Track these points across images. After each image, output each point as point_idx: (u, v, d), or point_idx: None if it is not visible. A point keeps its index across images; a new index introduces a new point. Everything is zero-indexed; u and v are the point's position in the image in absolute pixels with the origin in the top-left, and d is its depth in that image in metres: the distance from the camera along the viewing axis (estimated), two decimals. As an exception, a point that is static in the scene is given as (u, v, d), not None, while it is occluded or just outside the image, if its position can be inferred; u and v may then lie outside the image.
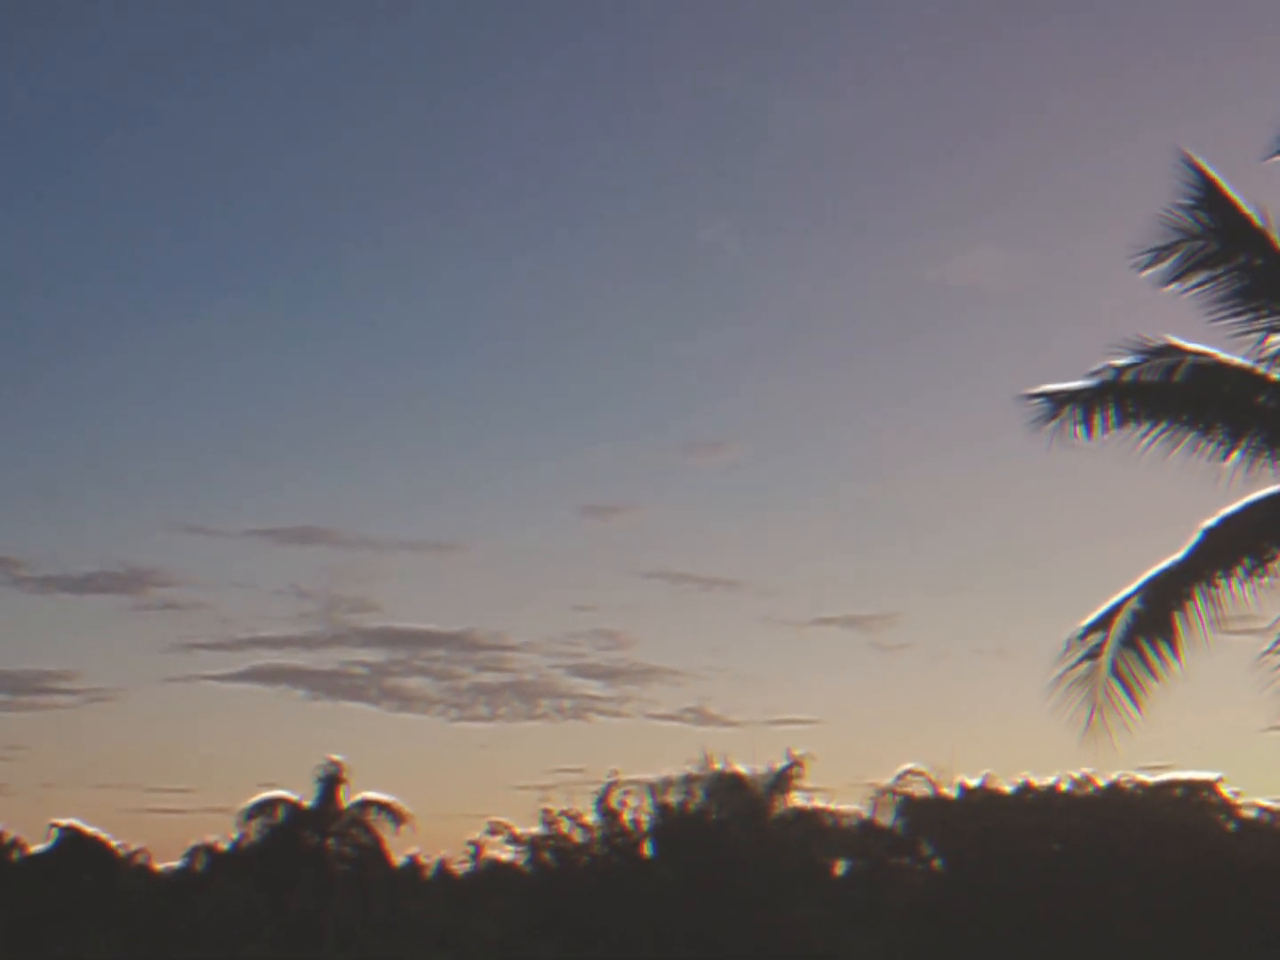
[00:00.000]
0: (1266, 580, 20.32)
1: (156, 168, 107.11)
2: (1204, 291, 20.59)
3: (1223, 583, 20.29)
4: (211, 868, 58.62)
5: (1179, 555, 20.55)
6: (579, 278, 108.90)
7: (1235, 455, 20.68)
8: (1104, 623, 20.69)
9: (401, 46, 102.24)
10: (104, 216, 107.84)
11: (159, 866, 62.77)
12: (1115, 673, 20.48)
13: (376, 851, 58.46)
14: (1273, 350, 20.61)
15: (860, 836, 41.18)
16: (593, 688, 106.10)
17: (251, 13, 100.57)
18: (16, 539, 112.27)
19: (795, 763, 37.66)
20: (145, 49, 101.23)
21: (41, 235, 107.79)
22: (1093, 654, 20.62)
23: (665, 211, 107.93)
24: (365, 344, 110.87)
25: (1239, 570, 20.31)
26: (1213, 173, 20.20)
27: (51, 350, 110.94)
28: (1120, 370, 21.09)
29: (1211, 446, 20.73)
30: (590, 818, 35.94)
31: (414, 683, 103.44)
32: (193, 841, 59.90)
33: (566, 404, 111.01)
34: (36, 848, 61.21)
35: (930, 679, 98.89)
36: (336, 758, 58.84)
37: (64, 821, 60.56)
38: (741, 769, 37.74)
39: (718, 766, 37.18)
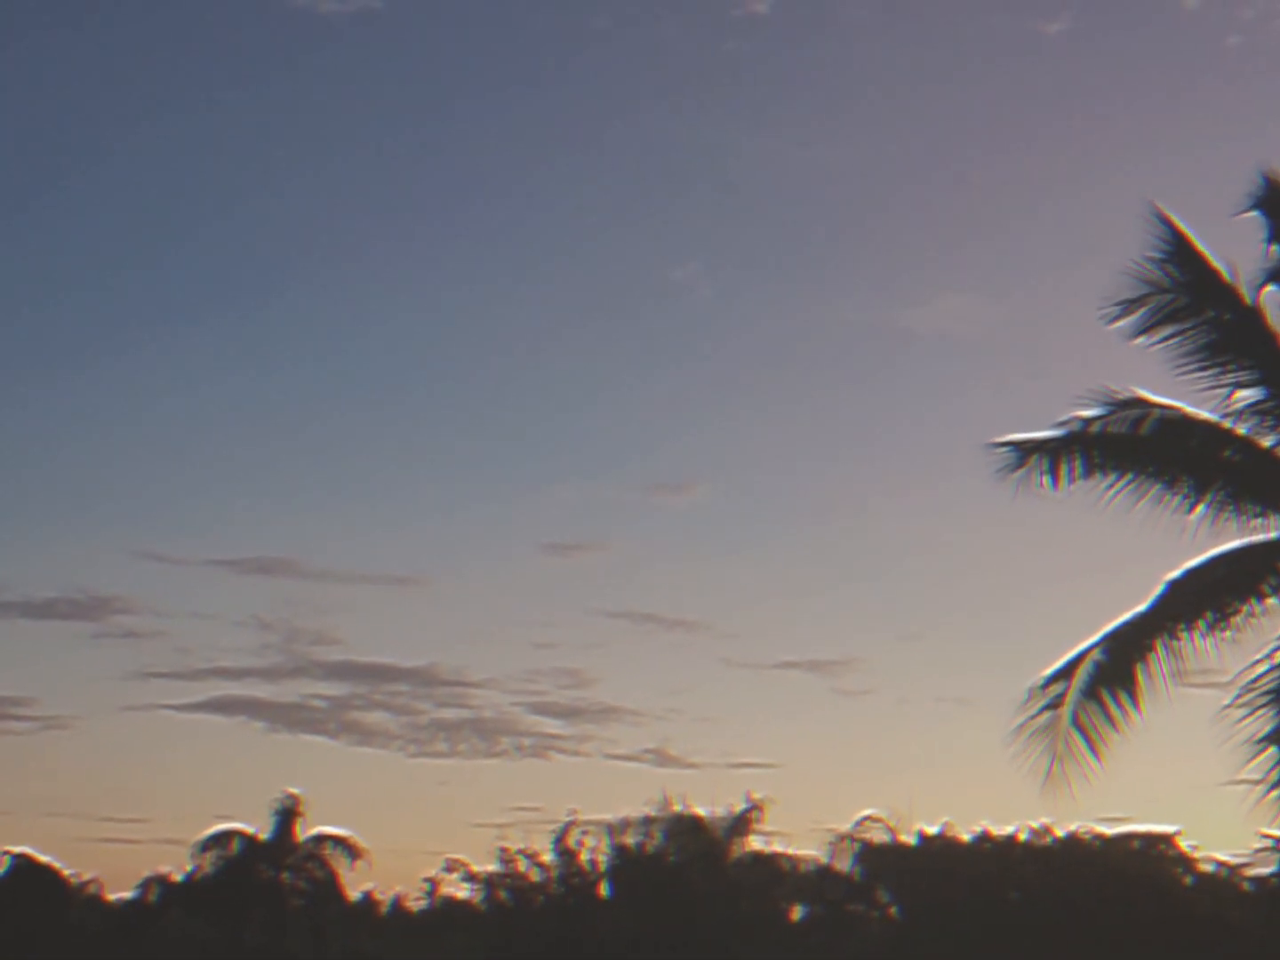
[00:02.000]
0: (1228, 634, 20.35)
1: (119, 199, 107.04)
2: (1172, 345, 20.68)
3: (1185, 636, 20.31)
4: (164, 899, 58.18)
5: (1142, 607, 20.57)
6: (546, 315, 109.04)
7: (1200, 509, 20.74)
8: (1066, 673, 20.68)
9: (377, 79, 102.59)
10: (64, 246, 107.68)
11: (111, 897, 62.27)
12: (1076, 723, 20.46)
13: (331, 886, 58.10)
14: (1239, 405, 20.69)
15: (818, 882, 41.07)
16: (553, 726, 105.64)
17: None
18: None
19: (754, 806, 37.60)
20: (130, 78, 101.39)
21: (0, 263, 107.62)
22: (1054, 704, 20.61)
23: (636, 250, 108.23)
24: (329, 376, 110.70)
25: (1201, 624, 20.33)
26: (1183, 226, 20.32)
27: (11, 376, 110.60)
28: (1087, 421, 21.14)
29: (1177, 499, 20.78)
30: (548, 857, 35.84)
31: (374, 717, 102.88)
32: (146, 872, 59.47)
33: (531, 440, 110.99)
34: (-12, 875, 60.72)
35: (891, 725, 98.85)
36: (294, 791, 58.53)
37: (16, 849, 60.05)
38: (700, 811, 37.68)
39: (677, 808, 37.14)
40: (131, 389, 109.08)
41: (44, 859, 60.05)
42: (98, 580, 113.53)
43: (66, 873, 60.68)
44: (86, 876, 62.14)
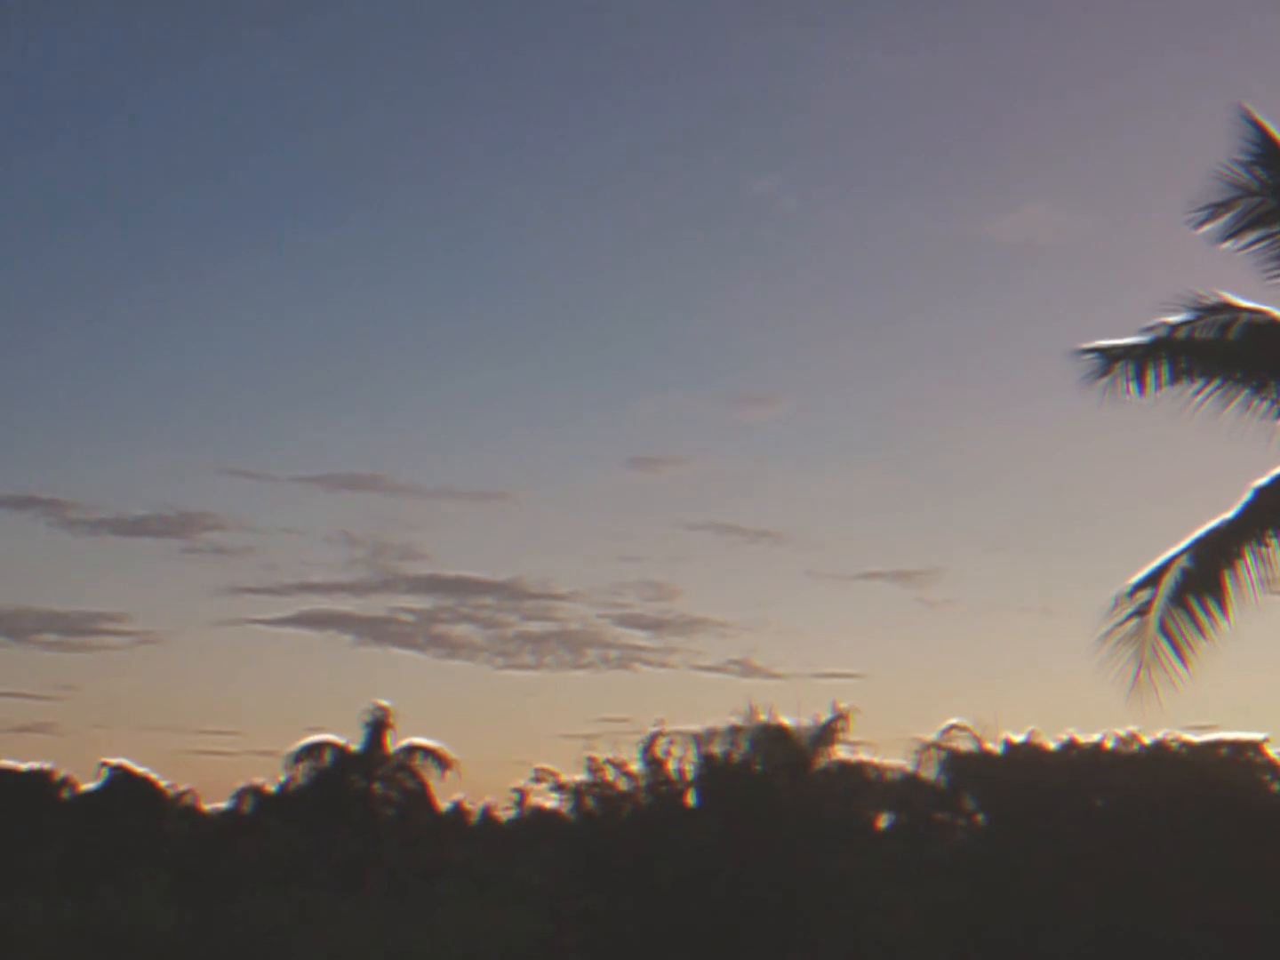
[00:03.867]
0: (1318, 541, 20.25)
1: (195, 110, 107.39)
2: (1260, 249, 20.50)
3: (1274, 542, 20.24)
4: (258, 810, 59.15)
5: (1230, 514, 20.49)
6: (631, 229, 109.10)
7: (1289, 414, 20.59)
8: (1153, 580, 20.64)
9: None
10: (156, 155, 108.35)
11: (206, 807, 63.46)
12: (1163, 630, 20.44)
13: (422, 796, 58.88)
14: (1329, 309, 20.49)
15: (903, 790, 41.22)
16: (639, 638, 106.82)
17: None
18: (70, 482, 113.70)
19: (840, 716, 37.59)
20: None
21: (90, 176, 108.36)
22: (1141, 611, 20.59)
23: (720, 164, 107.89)
24: (417, 293, 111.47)
25: (1290, 530, 20.24)
26: (1272, 129, 20.05)
27: (105, 296, 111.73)
28: (1174, 327, 20.99)
29: (1265, 405, 20.65)
30: (635, 767, 36.05)
31: (461, 630, 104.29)
32: (240, 783, 60.54)
33: (617, 356, 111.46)
34: (87, 786, 61.91)
35: (976, 635, 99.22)
36: (383, 702, 59.25)
37: (114, 761, 61.17)
38: (786, 721, 37.73)
39: (762, 718, 37.19)
40: (219, 307, 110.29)
41: (141, 770, 61.21)
42: (188, 497, 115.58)
43: (163, 784, 61.85)
44: (182, 787, 63.36)
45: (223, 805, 61.55)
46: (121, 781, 60.30)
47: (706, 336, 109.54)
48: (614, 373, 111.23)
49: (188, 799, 63.24)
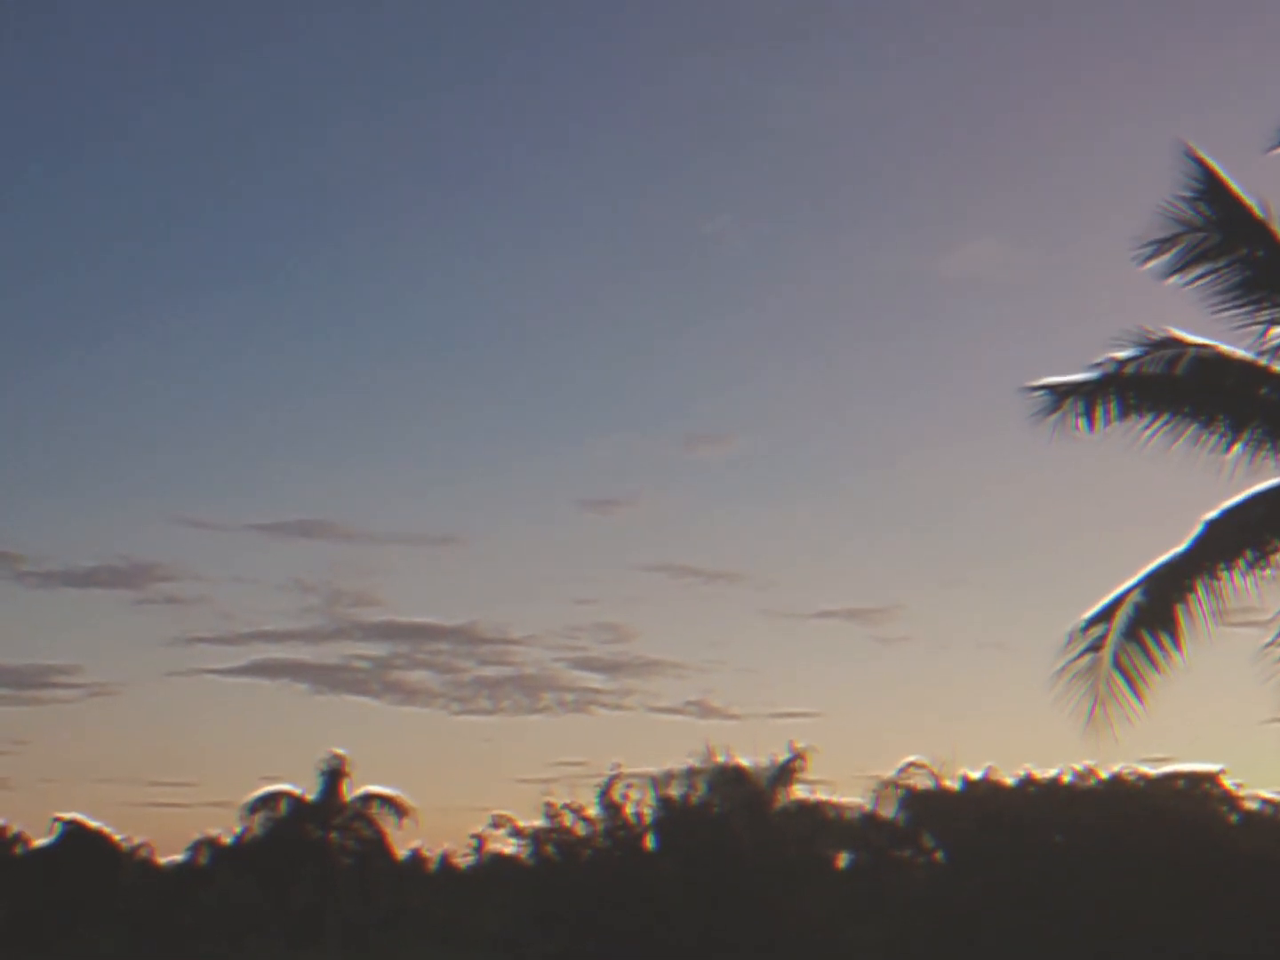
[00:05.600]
0: (1268, 572, 20.34)
1: (153, 163, 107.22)
2: (1206, 284, 20.59)
3: (1225, 575, 20.29)
4: (214, 861, 58.71)
5: (1181, 548, 20.55)
6: (581, 270, 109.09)
7: (1237, 448, 20.69)
8: (1106, 615, 20.69)
9: (398, 39, 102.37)
10: (102, 210, 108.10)
11: (162, 860, 62.91)
12: (1117, 665, 20.48)
13: (379, 845, 58.51)
14: (1274, 343, 20.62)
15: (863, 829, 41.17)
16: (595, 681, 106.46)
17: (254, 8, 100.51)
18: (20, 534, 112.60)
19: (797, 755, 37.64)
20: (142, 47, 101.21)
21: (40, 230, 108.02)
22: (1095, 646, 20.63)
23: (668, 204, 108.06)
24: (366, 338, 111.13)
25: (1241, 562, 20.31)
26: (1214, 165, 20.20)
27: (53, 345, 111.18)
28: (1122, 363, 21.09)
29: (1214, 439, 20.73)
30: (593, 811, 35.95)
31: (416, 676, 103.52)
32: (195, 835, 60.09)
33: (567, 397, 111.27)
34: (40, 842, 61.28)
35: (932, 672, 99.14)
36: (339, 751, 58.94)
37: (67, 815, 60.60)
38: (744, 762, 37.74)
39: (720, 759, 37.19)
40: (171, 356, 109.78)
41: (95, 824, 60.61)
42: (138, 548, 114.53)
43: (117, 837, 61.26)
44: (137, 841, 62.78)
45: (178, 858, 61.05)
46: (75, 836, 59.71)
47: (658, 376, 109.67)
48: (564, 414, 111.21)
49: (143, 852, 62.74)
